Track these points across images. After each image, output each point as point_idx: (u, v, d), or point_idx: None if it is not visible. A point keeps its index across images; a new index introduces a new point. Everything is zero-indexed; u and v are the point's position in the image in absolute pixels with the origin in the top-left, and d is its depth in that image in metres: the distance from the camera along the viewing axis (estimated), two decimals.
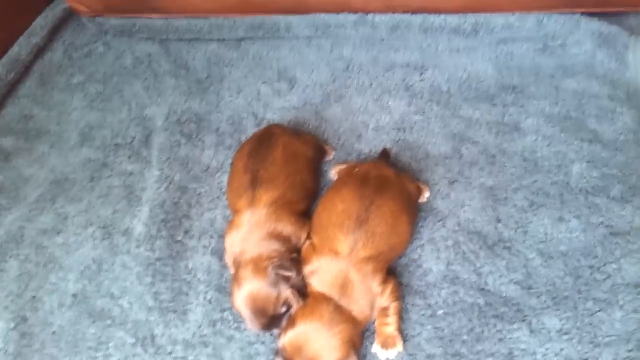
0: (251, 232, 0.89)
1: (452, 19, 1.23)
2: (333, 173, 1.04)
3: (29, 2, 1.44)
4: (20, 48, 1.38)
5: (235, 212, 0.94)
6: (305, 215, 0.96)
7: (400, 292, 0.89)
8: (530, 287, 0.89)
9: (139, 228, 1.04)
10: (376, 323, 0.86)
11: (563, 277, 0.89)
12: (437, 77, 1.20)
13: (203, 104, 1.24)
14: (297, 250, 0.91)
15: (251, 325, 0.83)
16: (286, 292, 0.82)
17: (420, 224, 0.98)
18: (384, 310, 0.85)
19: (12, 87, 1.35)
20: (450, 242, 0.95)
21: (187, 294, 0.95)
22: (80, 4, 1.40)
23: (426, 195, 1.00)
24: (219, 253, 0.99)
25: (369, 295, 0.83)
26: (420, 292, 0.90)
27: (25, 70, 1.38)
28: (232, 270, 0.91)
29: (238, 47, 1.35)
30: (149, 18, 1.39)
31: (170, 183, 1.09)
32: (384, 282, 0.84)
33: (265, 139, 0.99)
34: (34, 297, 0.99)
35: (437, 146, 1.08)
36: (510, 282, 0.90)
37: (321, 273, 0.84)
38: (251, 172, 0.94)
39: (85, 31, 1.46)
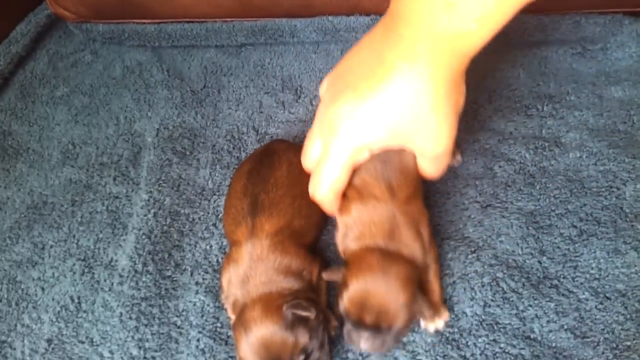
0: (253, 268, 0.75)
1: None
2: None
3: (9, 7, 1.32)
4: None
5: (233, 243, 0.80)
6: (313, 248, 0.83)
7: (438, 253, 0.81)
8: (584, 335, 0.74)
9: (123, 261, 0.91)
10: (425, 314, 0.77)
11: (623, 322, 0.75)
12: None
13: (198, 118, 1.11)
14: (312, 288, 0.77)
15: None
16: (305, 338, 0.69)
17: (449, 256, 0.84)
18: (425, 273, 0.77)
19: None
20: (486, 279, 0.80)
21: (176, 341, 0.81)
22: (65, 9, 1.28)
23: (458, 158, 0.95)
24: (215, 291, 0.85)
25: (419, 239, 0.74)
26: (453, 342, 0.76)
27: (4, 82, 1.26)
28: (230, 314, 0.77)
29: (238, 54, 1.24)
30: (140, 24, 1.27)
31: (159, 208, 0.96)
32: (429, 237, 0.77)
33: (267, 157, 0.86)
34: (3, 341, 0.85)
35: (466, 164, 0.95)
36: (560, 328, 0.75)
37: (361, 225, 0.74)
38: (251, 196, 0.80)
39: (72, 39, 1.35)
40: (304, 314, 0.69)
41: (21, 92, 1.25)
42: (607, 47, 1.08)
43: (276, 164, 0.84)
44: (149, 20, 1.26)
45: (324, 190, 0.76)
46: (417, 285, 0.72)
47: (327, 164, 0.74)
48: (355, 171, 0.76)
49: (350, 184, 0.77)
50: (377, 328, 0.70)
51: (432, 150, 0.73)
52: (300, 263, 0.77)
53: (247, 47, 1.24)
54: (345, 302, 0.70)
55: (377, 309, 0.69)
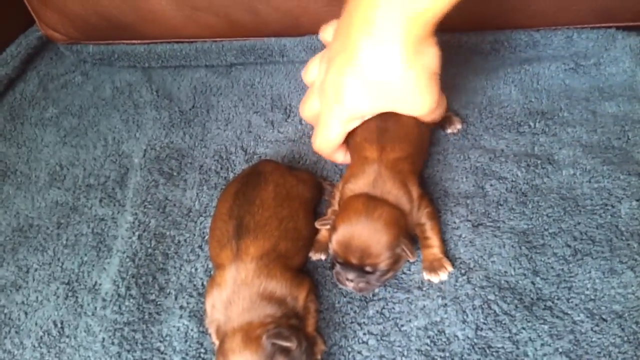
0: (237, 292, 0.72)
1: (469, 38, 1.10)
2: None
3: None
4: None
5: (218, 266, 0.78)
6: (301, 270, 0.80)
7: (436, 211, 0.85)
8: (580, 359, 0.71)
9: (106, 285, 0.88)
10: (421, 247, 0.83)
11: (620, 345, 0.72)
12: (453, 102, 1.05)
13: (186, 138, 1.09)
14: (296, 315, 0.75)
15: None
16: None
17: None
18: (422, 231, 0.82)
19: None
20: (478, 302, 0.78)
21: None
22: (55, 31, 1.28)
23: (457, 126, 1.01)
24: (199, 315, 0.82)
25: (404, 190, 0.79)
26: None
27: None
28: (214, 340, 0.75)
29: (228, 73, 1.23)
30: (130, 44, 1.27)
31: (144, 230, 0.94)
32: (419, 192, 0.82)
33: (253, 178, 0.84)
34: None
35: (457, 183, 0.92)
36: (555, 352, 0.72)
37: (353, 179, 0.81)
38: (236, 219, 0.78)
39: (63, 60, 1.34)
40: (285, 344, 0.67)
41: (10, 114, 1.24)
42: (600, 63, 1.06)
43: (262, 185, 0.82)
44: (139, 41, 1.26)
45: (322, 145, 0.89)
46: (404, 230, 0.77)
47: (325, 125, 0.86)
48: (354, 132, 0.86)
49: (350, 142, 0.88)
50: (362, 268, 0.75)
51: (418, 111, 0.81)
52: (285, 288, 0.74)
53: (237, 67, 1.23)
54: (333, 244, 0.76)
55: (361, 249, 0.74)
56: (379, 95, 0.78)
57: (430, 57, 0.76)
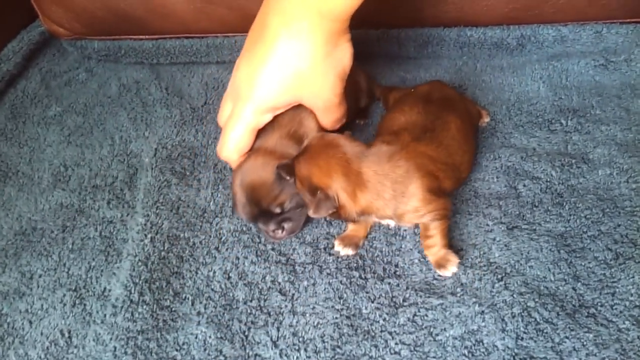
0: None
1: (493, 32, 1.07)
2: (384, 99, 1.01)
3: (0, 24, 1.27)
4: None
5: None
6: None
7: (448, 212, 0.79)
8: None
9: (117, 291, 0.83)
10: (423, 246, 0.81)
11: None
12: (479, 99, 1.01)
13: (199, 136, 1.05)
14: None
15: (241, 211, 0.82)
16: (286, 195, 0.81)
17: (474, 285, 0.76)
18: (426, 230, 0.79)
19: None
20: (517, 309, 0.73)
21: None
22: (59, 26, 1.23)
23: (486, 120, 0.97)
24: (217, 321, 0.77)
25: (400, 179, 0.75)
26: None
27: None
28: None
29: None
30: (138, 40, 1.22)
31: (157, 233, 0.89)
32: (430, 200, 0.75)
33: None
34: None
35: (487, 183, 0.88)
36: None
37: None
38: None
39: (66, 56, 1.30)
40: (286, 177, 0.78)
41: (12, 112, 1.19)
42: (631, 59, 1.03)
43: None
44: (147, 37, 1.21)
45: (229, 149, 0.84)
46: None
47: (232, 126, 0.83)
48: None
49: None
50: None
51: (318, 103, 0.82)
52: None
53: None
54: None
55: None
56: (289, 86, 0.79)
57: (344, 52, 0.79)
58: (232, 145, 0.84)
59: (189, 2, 1.09)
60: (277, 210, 0.81)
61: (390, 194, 0.75)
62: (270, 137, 0.84)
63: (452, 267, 0.78)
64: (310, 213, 0.77)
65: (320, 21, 0.73)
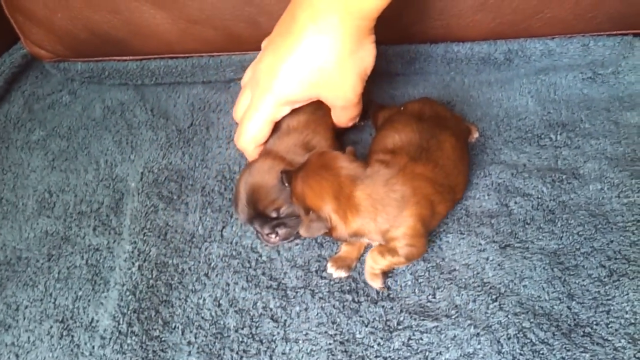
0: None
1: (480, 48, 1.07)
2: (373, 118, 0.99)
3: None
4: None
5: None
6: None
7: (418, 258, 0.79)
8: None
9: (105, 321, 0.81)
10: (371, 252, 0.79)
11: None
12: (468, 115, 1.00)
13: (186, 158, 1.03)
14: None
15: (240, 210, 0.83)
16: (283, 201, 0.81)
17: (469, 307, 0.75)
18: (389, 251, 0.76)
19: None
20: (512, 330, 0.72)
21: None
22: (41, 48, 1.21)
23: (475, 136, 0.96)
24: (209, 350, 0.76)
25: (394, 204, 0.74)
26: None
27: None
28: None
29: (227, 89, 1.17)
30: (122, 61, 1.20)
31: (144, 260, 0.87)
32: (419, 234, 0.75)
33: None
34: None
35: (478, 201, 0.87)
36: None
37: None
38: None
39: (49, 79, 1.27)
40: (286, 183, 0.78)
41: None
42: (618, 71, 1.03)
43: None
44: (131, 57, 1.19)
45: (246, 140, 0.87)
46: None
47: (250, 116, 0.84)
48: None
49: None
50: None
51: (338, 101, 0.83)
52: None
53: (237, 82, 1.17)
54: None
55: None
56: (311, 81, 0.80)
57: (368, 52, 0.80)
58: (249, 136, 0.86)
59: (172, 23, 1.07)
60: (274, 214, 0.82)
61: (383, 217, 0.73)
62: (285, 141, 0.86)
63: (376, 286, 0.79)
64: (302, 232, 0.77)
65: (348, 18, 0.74)
